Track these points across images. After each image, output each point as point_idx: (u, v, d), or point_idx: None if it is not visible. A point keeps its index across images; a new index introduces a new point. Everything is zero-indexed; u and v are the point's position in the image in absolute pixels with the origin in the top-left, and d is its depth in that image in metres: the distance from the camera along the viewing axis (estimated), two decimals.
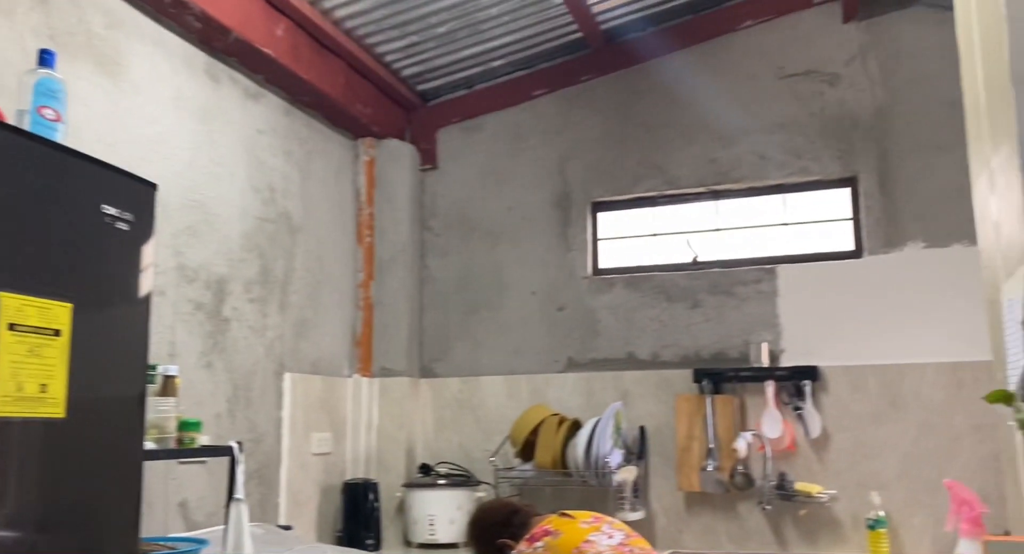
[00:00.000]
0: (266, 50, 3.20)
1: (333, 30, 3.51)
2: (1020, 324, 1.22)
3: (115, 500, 1.58)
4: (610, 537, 2.25)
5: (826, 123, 3.62)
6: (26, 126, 1.65)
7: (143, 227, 1.68)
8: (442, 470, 3.72)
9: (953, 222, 3.31)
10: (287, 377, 3.43)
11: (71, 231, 1.53)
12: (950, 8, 2.42)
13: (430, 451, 3.92)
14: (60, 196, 1.52)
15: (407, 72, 4.01)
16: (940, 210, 3.37)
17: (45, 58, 1.76)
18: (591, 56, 3.95)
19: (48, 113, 1.70)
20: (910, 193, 3.45)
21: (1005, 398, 1.18)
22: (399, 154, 4.09)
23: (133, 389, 1.65)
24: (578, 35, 3.84)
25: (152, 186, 1.74)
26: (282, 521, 3.31)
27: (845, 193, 3.61)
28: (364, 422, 3.85)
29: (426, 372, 4.02)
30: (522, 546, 2.29)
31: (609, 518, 2.38)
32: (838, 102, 3.61)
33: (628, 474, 3.40)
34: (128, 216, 1.64)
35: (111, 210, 1.61)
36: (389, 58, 3.87)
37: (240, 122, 3.29)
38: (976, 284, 2.36)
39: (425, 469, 3.75)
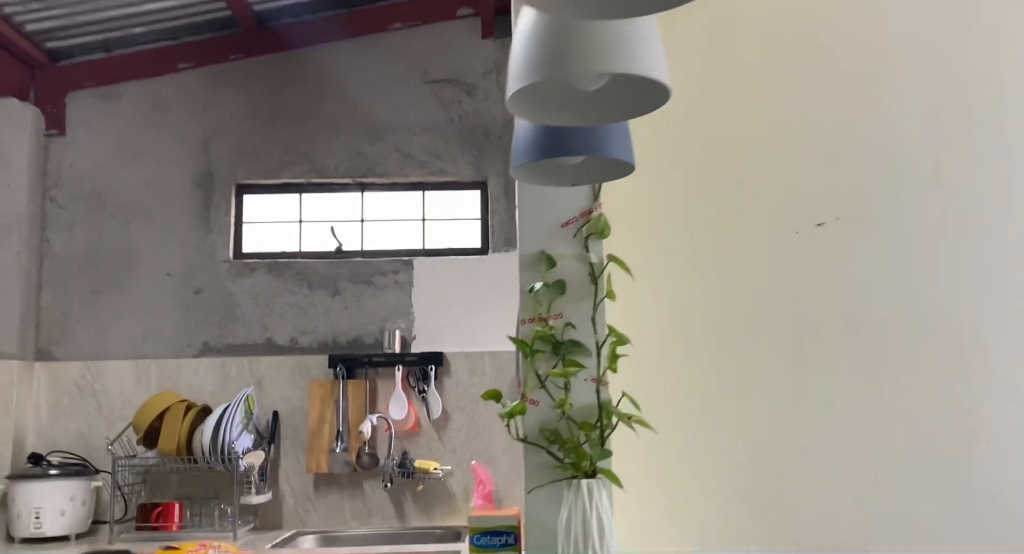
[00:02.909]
0: None
1: None
2: (522, 323, 1.47)
3: None
4: None
5: (463, 129, 3.91)
6: None
7: None
8: (54, 460, 3.48)
9: None
10: None
11: None
12: None
13: (43, 440, 3.64)
14: None
15: (32, 27, 3.65)
16: None
17: None
18: (241, 35, 3.89)
19: None
20: None
21: (495, 396, 1.43)
22: (19, 115, 3.72)
23: None
24: (227, 13, 3.76)
25: None
26: None
27: (476, 195, 3.93)
28: None
29: (42, 355, 3.72)
30: None
31: (216, 543, 2.40)
32: (474, 111, 3.92)
33: (255, 459, 3.44)
34: None
35: None
36: (9, 10, 3.50)
37: None
38: None
39: (35, 459, 3.48)
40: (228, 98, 3.93)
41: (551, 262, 1.42)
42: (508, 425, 1.38)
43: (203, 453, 3.38)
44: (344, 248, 3.91)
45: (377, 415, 3.61)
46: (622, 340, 1.36)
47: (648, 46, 0.90)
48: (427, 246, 3.92)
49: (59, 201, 3.84)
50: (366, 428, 3.53)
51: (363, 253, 3.89)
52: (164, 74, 3.92)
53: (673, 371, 1.60)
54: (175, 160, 3.88)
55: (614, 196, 1.58)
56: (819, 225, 1.65)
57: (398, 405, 3.65)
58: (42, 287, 3.77)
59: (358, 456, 3.61)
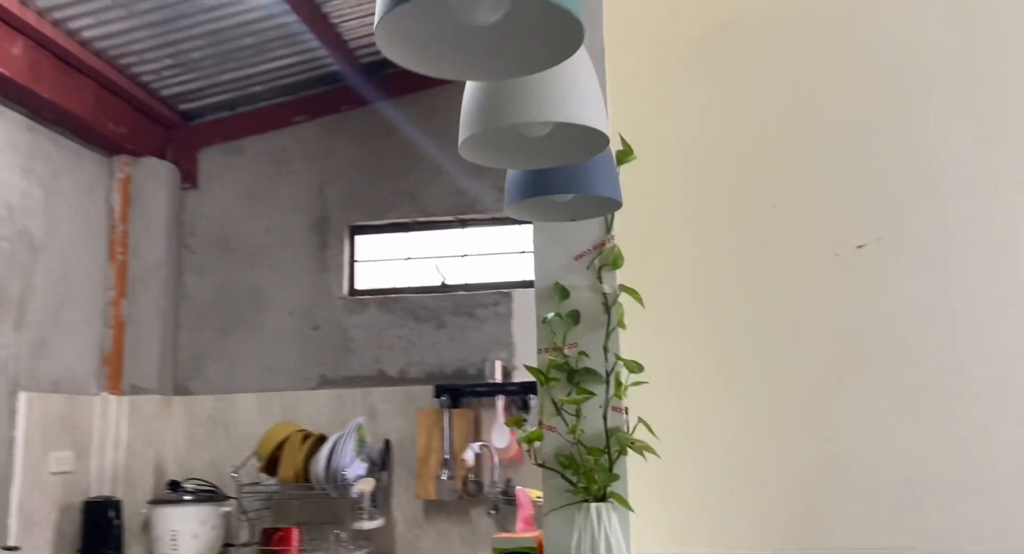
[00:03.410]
0: (0, 70, 3.18)
1: (80, 50, 3.52)
2: (539, 352, 1.54)
3: None
4: None
5: None
6: None
7: None
8: (189, 486, 3.79)
9: None
10: (22, 396, 3.40)
11: None
12: None
13: (181, 468, 3.97)
14: None
15: (167, 92, 4.06)
16: None
17: None
18: (350, 87, 4.15)
19: None
20: None
21: (518, 423, 1.49)
22: (157, 172, 4.13)
23: None
24: (336, 68, 4.03)
25: None
26: (12, 542, 3.29)
27: None
28: (111, 440, 3.85)
29: (180, 389, 4.08)
30: None
31: None
32: None
33: (366, 486, 3.61)
34: None
35: None
36: (146, 79, 3.91)
37: None
38: None
39: (173, 485, 3.80)
40: (340, 146, 4.20)
41: (564, 293, 1.48)
42: (529, 450, 1.44)
43: (317, 479, 3.59)
44: (447, 282, 4.07)
45: (480, 443, 3.71)
46: (630, 368, 1.39)
47: (587, 96, 0.95)
48: (525, 278, 4.02)
49: (193, 248, 4.21)
50: (469, 456, 3.64)
51: (465, 286, 4.04)
52: (282, 127, 4.25)
53: (711, 395, 1.60)
54: (294, 206, 4.18)
55: (646, 224, 1.62)
56: (860, 247, 1.62)
57: (500, 434, 3.74)
58: (179, 327, 4.14)
59: (464, 483, 3.72)
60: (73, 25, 3.42)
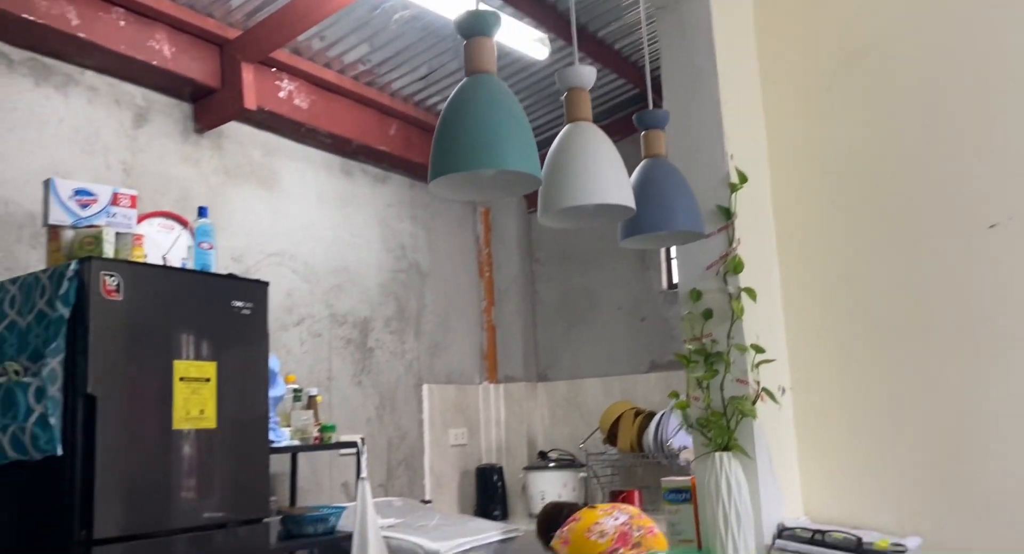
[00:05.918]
0: (382, 148, 4.30)
1: (436, 120, 4.55)
2: (684, 342, 1.96)
3: (249, 478, 2.68)
4: (616, 519, 3.00)
5: None
6: (192, 255, 2.83)
7: (260, 311, 2.79)
8: (553, 456, 4.64)
9: None
10: (424, 387, 4.52)
11: (214, 319, 2.65)
12: None
13: (548, 440, 4.85)
14: (208, 299, 2.65)
15: None
16: None
17: (201, 211, 2.93)
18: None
19: (204, 245, 2.87)
20: None
21: (675, 395, 1.92)
22: (508, 203, 5.07)
23: (258, 409, 2.76)
24: (637, 91, 4.60)
25: (264, 284, 2.84)
26: (427, 497, 4.41)
27: None
28: (493, 419, 4.86)
29: (541, 377, 4.96)
30: (559, 531, 3.07)
31: (628, 506, 3.12)
32: None
33: (690, 454, 4.12)
34: (249, 305, 2.75)
35: (238, 303, 2.73)
36: None
37: (372, 202, 4.43)
38: None
39: (542, 455, 4.68)
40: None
41: (698, 295, 1.87)
42: (683, 416, 1.88)
43: (649, 449, 4.19)
44: None
45: None
46: (742, 349, 1.76)
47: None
48: None
49: (541, 261, 5.08)
50: None
51: None
52: None
53: (864, 371, 1.89)
54: None
55: (803, 223, 1.97)
56: (992, 226, 1.78)
57: None
58: (536, 326, 5.03)
59: None
60: (429, 102, 4.45)
